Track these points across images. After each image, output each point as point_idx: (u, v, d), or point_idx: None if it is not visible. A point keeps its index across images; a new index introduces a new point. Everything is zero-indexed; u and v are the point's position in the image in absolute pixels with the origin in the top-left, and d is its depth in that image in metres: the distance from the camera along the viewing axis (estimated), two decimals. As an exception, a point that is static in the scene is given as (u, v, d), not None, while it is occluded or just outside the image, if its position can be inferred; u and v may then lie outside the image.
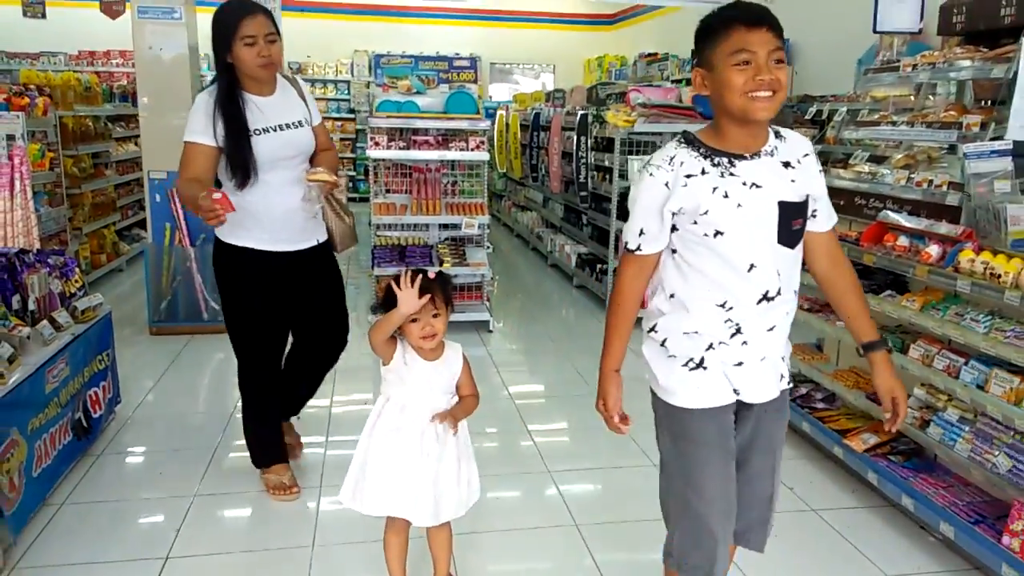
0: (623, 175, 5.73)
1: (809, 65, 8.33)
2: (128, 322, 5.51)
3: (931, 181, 3.01)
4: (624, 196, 5.73)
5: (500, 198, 11.36)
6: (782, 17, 1.74)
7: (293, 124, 2.82)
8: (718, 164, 1.74)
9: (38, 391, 2.93)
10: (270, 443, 3.15)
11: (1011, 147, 2.78)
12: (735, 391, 1.86)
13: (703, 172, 1.74)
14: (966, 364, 2.64)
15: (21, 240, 4.69)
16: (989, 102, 3.54)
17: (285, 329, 3.09)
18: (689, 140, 1.79)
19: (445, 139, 5.47)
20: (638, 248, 1.83)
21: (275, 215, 2.79)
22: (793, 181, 1.76)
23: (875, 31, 3.59)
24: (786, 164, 1.77)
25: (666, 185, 1.75)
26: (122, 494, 3.14)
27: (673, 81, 8.44)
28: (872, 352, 1.93)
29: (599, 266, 6.42)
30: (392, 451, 2.21)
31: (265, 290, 2.90)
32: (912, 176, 3.13)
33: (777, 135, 1.81)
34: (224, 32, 2.66)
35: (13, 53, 11.29)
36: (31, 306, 3.24)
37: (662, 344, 1.89)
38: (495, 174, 10.68)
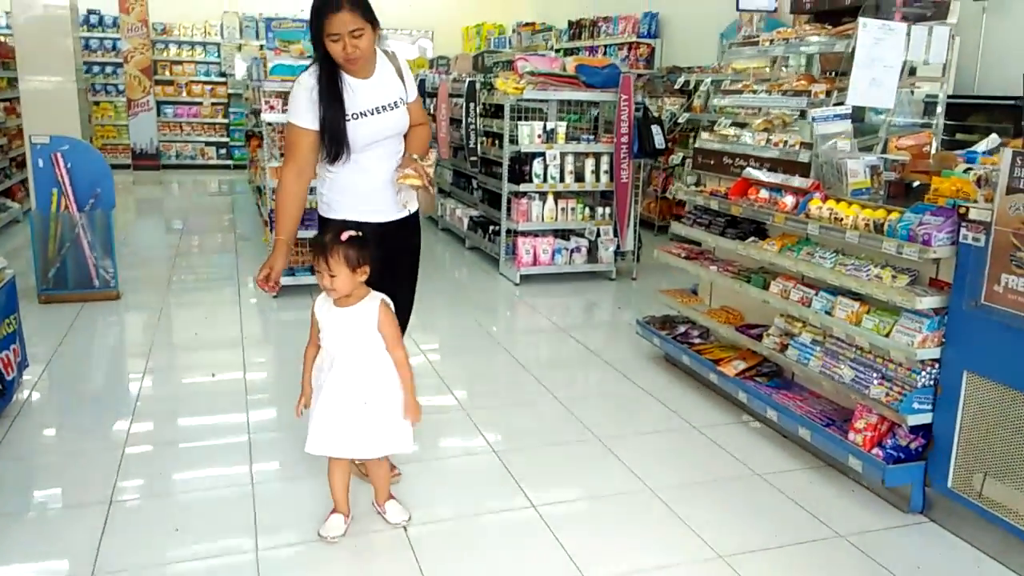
0: (513, 140, 6.04)
1: (675, 38, 8.94)
2: (12, 292, 5.32)
3: (786, 142, 3.51)
4: (514, 160, 6.06)
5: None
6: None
7: (388, 106, 2.74)
8: None
9: (-43, 352, 2.94)
10: None
11: (851, 112, 3.30)
12: None
13: None
14: (816, 295, 3.16)
15: None
16: (833, 73, 4.11)
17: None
18: None
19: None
20: None
21: (368, 188, 2.77)
22: None
23: (737, 9, 4.05)
24: None
25: None
26: (50, 450, 3.21)
27: (556, 50, 8.80)
28: None
29: (491, 227, 6.74)
30: (324, 395, 2.47)
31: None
32: (770, 138, 3.62)
33: None
34: (315, 25, 2.59)
35: None
36: (-64, 269, 3.20)
37: None
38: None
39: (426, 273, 6.74)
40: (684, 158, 7.64)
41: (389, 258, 2.84)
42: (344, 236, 2.37)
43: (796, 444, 3.33)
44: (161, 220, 9.33)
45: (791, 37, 3.69)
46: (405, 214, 2.90)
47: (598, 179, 6.15)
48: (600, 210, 6.28)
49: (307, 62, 5.59)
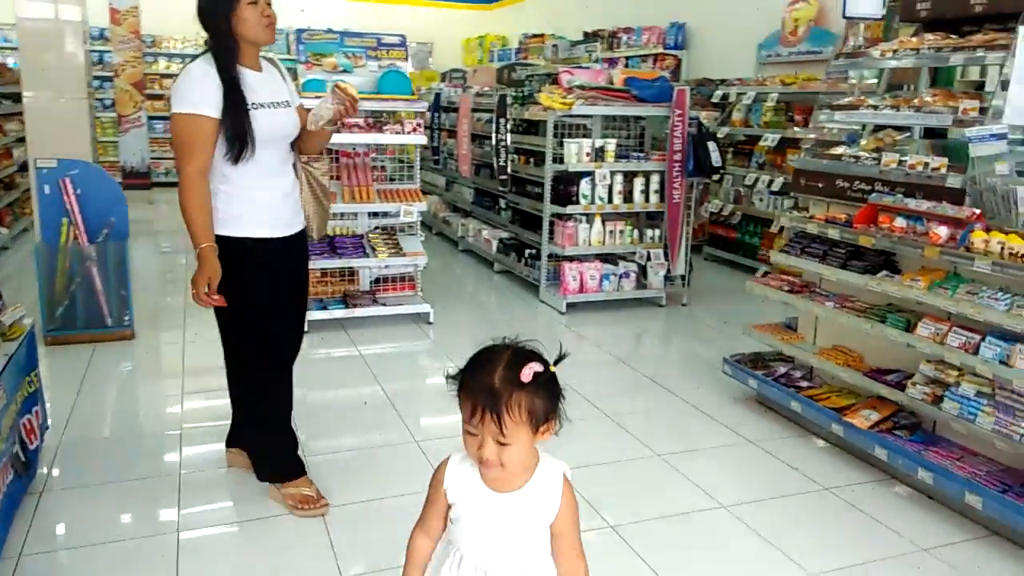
0: (558, 159, 5.60)
1: (704, 49, 8.58)
2: (14, 332, 4.76)
3: (927, 164, 3.11)
4: (557, 180, 5.63)
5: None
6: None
7: (282, 104, 2.68)
8: None
9: (-19, 427, 2.43)
10: (290, 453, 2.92)
11: (1007, 131, 2.91)
12: None
13: None
14: (984, 340, 2.75)
15: None
16: (912, 87, 3.79)
17: (292, 321, 2.89)
18: None
19: (377, 122, 5.12)
20: None
21: (270, 196, 2.66)
22: None
23: (844, 16, 3.68)
24: None
25: None
26: (89, 536, 2.68)
27: (604, 61, 8.37)
28: None
29: (527, 251, 6.29)
30: None
31: (268, 280, 2.71)
32: (903, 159, 3.22)
33: None
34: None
35: None
36: (-49, 324, 2.69)
37: None
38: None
39: (453, 296, 6.33)
40: (722, 174, 7.27)
41: (291, 275, 2.79)
42: (528, 373, 1.40)
43: (954, 511, 2.91)
44: (160, 244, 8.74)
45: (921, 47, 3.29)
46: (300, 227, 2.82)
47: (647, 199, 5.74)
48: (649, 232, 5.86)
49: (340, 76, 5.17)
